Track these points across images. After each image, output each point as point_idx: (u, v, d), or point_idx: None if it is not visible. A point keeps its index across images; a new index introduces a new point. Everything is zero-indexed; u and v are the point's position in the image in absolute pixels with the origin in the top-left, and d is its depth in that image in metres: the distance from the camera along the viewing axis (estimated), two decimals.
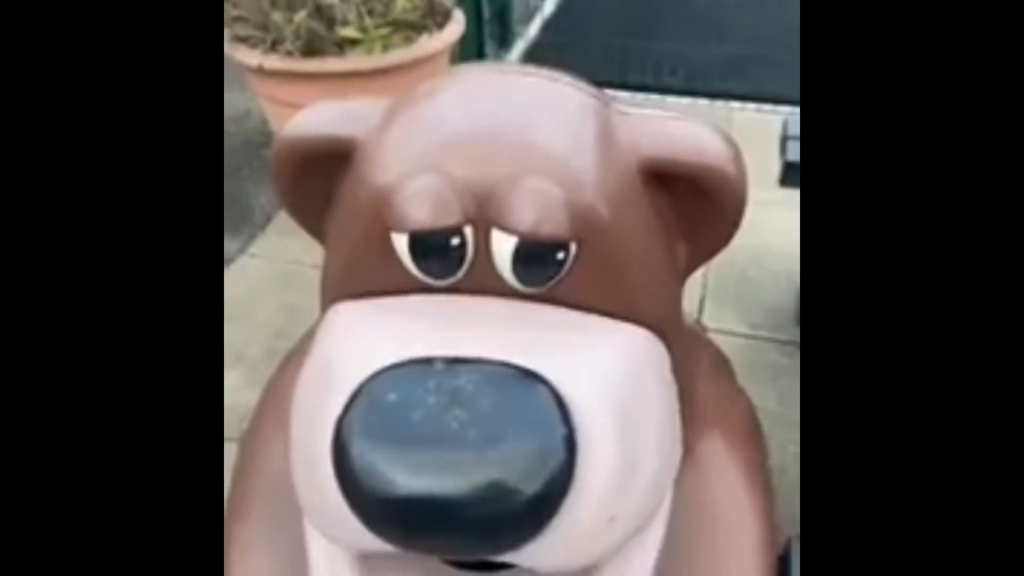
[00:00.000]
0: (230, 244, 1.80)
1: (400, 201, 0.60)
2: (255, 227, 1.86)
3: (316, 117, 0.69)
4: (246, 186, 1.98)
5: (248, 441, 0.82)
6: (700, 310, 1.58)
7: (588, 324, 0.63)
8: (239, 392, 1.44)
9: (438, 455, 0.53)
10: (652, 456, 0.61)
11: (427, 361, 0.58)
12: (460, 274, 0.63)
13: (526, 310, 0.63)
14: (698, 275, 0.74)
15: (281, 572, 0.70)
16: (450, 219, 0.60)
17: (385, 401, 0.55)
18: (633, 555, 0.63)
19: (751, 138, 1.07)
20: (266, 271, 1.73)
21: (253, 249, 1.79)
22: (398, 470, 0.53)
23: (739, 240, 0.71)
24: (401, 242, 0.62)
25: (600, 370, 0.60)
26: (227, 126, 2.20)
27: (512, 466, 0.53)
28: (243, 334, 1.56)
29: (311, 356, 0.64)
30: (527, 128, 0.64)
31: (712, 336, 1.07)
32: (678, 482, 0.69)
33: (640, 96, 2.29)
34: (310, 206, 0.73)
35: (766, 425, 0.87)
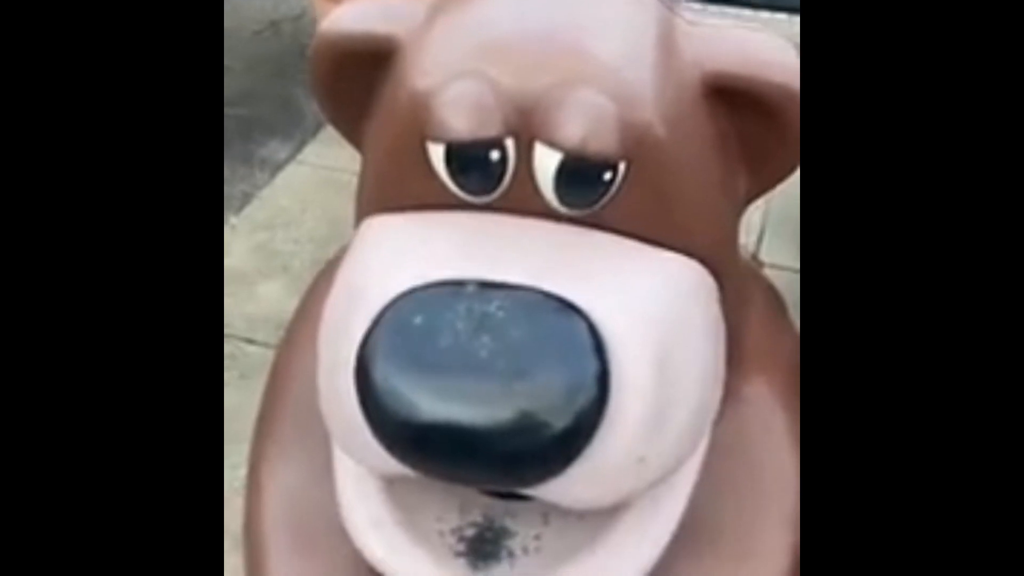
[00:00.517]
0: (280, 150, 1.78)
1: (438, 108, 0.56)
2: (306, 133, 1.83)
3: (355, 13, 0.64)
4: (298, 90, 1.95)
5: (280, 356, 0.82)
6: (759, 243, 1.51)
7: (632, 252, 0.59)
8: (281, 302, 1.44)
9: (464, 383, 0.51)
10: (690, 396, 0.57)
11: (458, 283, 0.54)
12: (499, 191, 0.59)
13: (566, 234, 0.59)
14: (759, 203, 0.68)
15: (310, 490, 0.70)
16: (491, 130, 0.56)
17: (411, 324, 0.52)
18: (663, 497, 0.61)
19: None
20: (315, 179, 1.71)
21: (302, 156, 1.77)
22: (421, 396, 0.51)
23: None
24: (438, 153, 0.58)
25: (641, 303, 0.56)
26: (281, 26, 2.15)
27: (540, 400, 0.51)
28: (289, 243, 1.56)
29: (340, 273, 0.62)
30: (581, 34, 0.58)
31: (768, 272, 1.01)
32: (717, 425, 0.65)
33: (712, 7, 2.14)
34: (348, 111, 0.69)
35: None
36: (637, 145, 0.56)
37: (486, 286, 0.54)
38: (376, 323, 0.54)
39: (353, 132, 0.71)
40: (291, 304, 1.53)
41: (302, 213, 1.62)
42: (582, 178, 0.56)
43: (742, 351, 0.69)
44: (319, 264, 1.53)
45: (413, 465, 0.54)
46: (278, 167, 1.74)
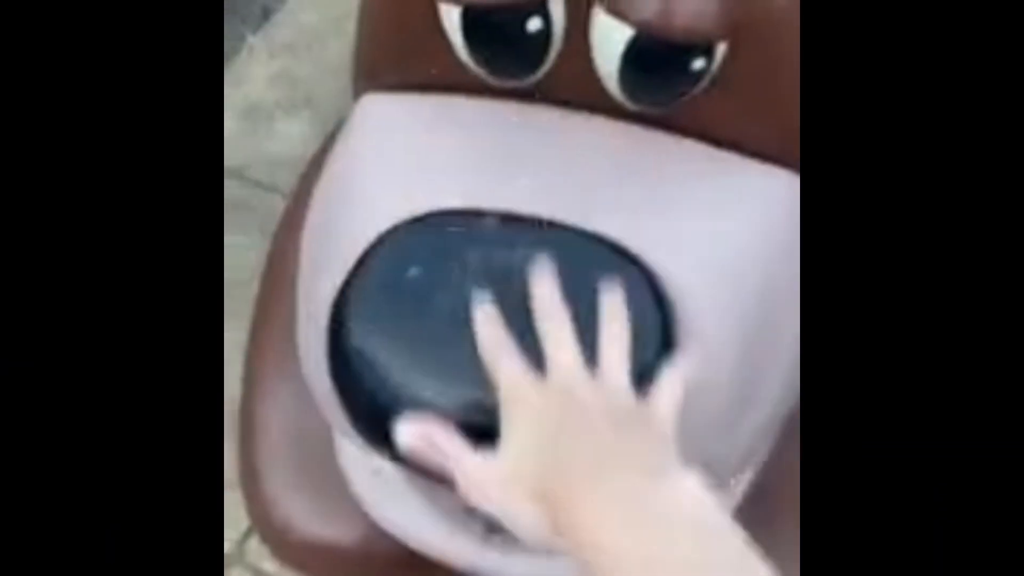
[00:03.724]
0: None
1: None
2: None
3: None
4: None
5: (275, 251, 0.68)
6: None
7: (723, 167, 0.42)
8: (305, 142, 1.29)
9: (468, 365, 0.37)
10: (776, 386, 0.43)
11: (472, 215, 0.39)
12: (539, 72, 0.41)
13: (630, 140, 0.42)
14: None
15: (310, 417, 0.59)
16: None
17: (403, 278, 0.38)
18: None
19: None
20: None
21: None
22: (404, 374, 0.38)
23: None
24: (451, 17, 0.40)
25: (728, 252, 0.40)
26: None
27: None
28: (312, 73, 1.37)
29: (326, 171, 0.47)
30: None
31: None
32: None
33: None
34: None
35: None
36: (748, 17, 0.37)
37: (510, 220, 0.39)
38: (358, 268, 0.39)
39: None
40: (316, 145, 1.37)
41: (326, 37, 1.42)
42: (661, 65, 0.39)
43: None
44: (347, 97, 1.36)
45: (389, 457, 0.41)
46: None
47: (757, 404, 0.42)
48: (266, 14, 1.46)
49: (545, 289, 0.37)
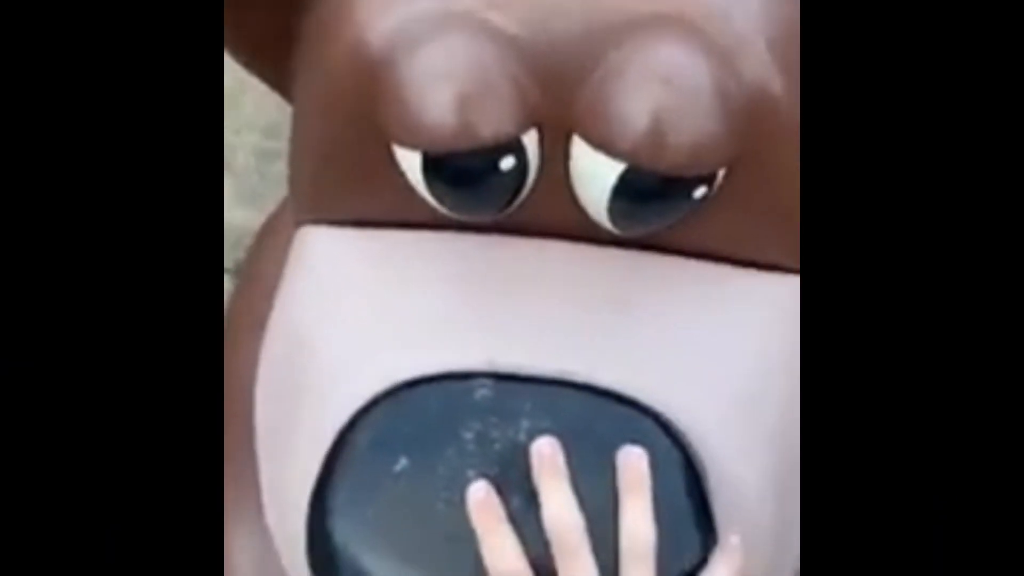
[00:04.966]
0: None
1: (401, 92, 0.32)
2: None
3: None
4: None
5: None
6: None
7: (721, 283, 0.38)
8: (228, 210, 1.20)
9: (465, 564, 0.32)
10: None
11: (462, 377, 0.34)
12: (511, 208, 0.36)
13: (619, 268, 0.37)
14: None
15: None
16: (499, 127, 0.32)
17: (390, 470, 0.33)
18: None
19: None
20: None
21: None
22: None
23: None
24: (409, 158, 0.34)
25: (751, 385, 0.36)
26: None
27: None
28: (229, 134, 1.28)
29: (275, 321, 0.41)
30: None
31: None
32: None
33: None
34: (258, 41, 0.44)
35: None
36: (750, 141, 0.33)
37: (505, 381, 0.34)
38: (335, 457, 0.34)
39: (267, 70, 0.46)
40: (240, 213, 1.29)
41: (242, 94, 1.33)
42: (657, 196, 0.34)
43: None
44: (266, 158, 1.28)
45: None
46: None
47: (794, 546, 0.38)
48: None
49: (545, 446, 0.32)
